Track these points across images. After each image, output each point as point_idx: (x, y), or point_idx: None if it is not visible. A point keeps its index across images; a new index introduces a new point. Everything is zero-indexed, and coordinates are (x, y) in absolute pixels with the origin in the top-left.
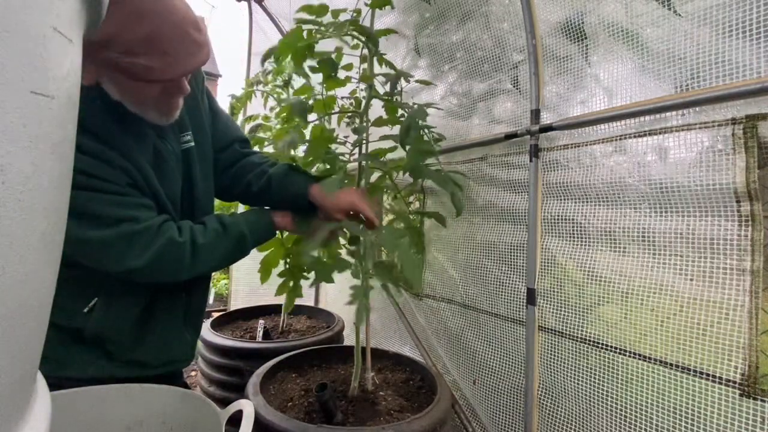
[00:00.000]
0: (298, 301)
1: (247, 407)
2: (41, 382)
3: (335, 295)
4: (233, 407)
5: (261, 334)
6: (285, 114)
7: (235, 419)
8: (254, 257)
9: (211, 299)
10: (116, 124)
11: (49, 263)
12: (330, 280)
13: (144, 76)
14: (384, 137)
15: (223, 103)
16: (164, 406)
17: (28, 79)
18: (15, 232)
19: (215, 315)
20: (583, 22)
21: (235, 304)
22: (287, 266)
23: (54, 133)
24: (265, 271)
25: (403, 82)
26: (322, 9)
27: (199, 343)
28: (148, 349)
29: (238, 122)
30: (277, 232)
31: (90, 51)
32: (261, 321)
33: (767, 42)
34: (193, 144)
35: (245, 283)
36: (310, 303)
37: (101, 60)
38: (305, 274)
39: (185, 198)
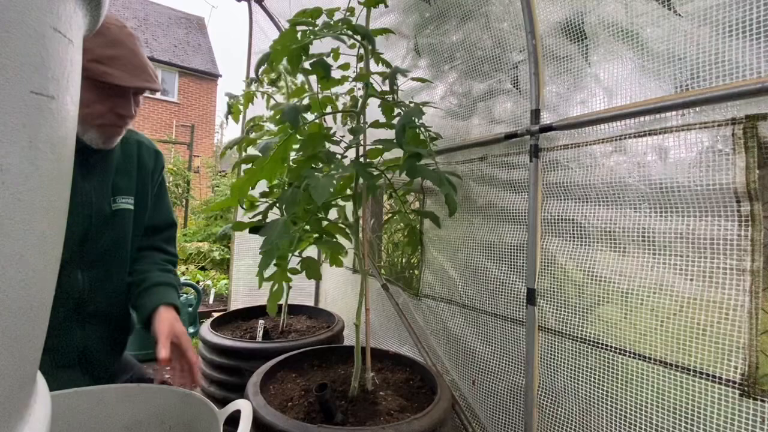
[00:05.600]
0: (298, 301)
1: (245, 407)
2: (41, 382)
3: (335, 295)
4: (231, 407)
5: (261, 334)
6: (278, 118)
7: (235, 419)
8: (255, 257)
9: (211, 299)
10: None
11: (49, 263)
12: (318, 277)
13: (102, 77)
14: (378, 141)
15: (223, 104)
16: (163, 406)
17: (28, 79)
18: (15, 232)
19: (215, 315)
20: (583, 22)
21: (235, 304)
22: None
23: (54, 133)
24: (261, 275)
25: (400, 80)
26: (316, 12)
27: (199, 343)
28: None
29: (238, 125)
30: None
31: None
32: (261, 321)
33: (767, 42)
34: (131, 207)
35: (245, 283)
36: (310, 303)
37: None
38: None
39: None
